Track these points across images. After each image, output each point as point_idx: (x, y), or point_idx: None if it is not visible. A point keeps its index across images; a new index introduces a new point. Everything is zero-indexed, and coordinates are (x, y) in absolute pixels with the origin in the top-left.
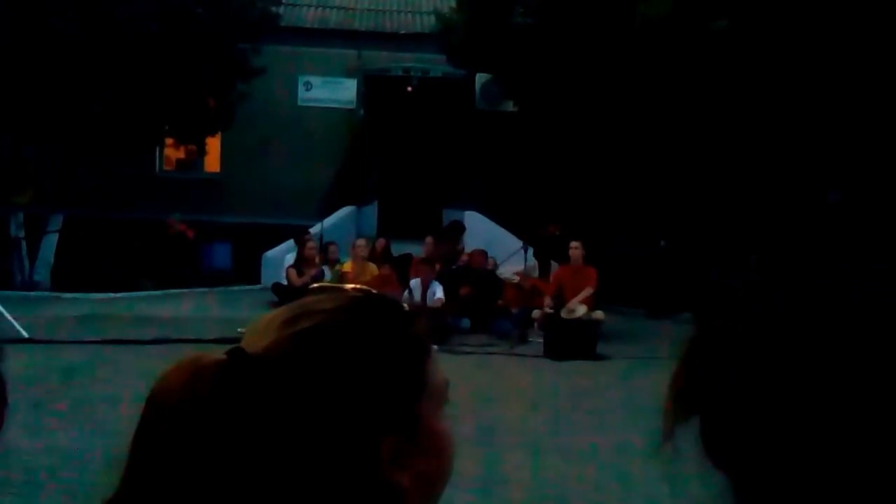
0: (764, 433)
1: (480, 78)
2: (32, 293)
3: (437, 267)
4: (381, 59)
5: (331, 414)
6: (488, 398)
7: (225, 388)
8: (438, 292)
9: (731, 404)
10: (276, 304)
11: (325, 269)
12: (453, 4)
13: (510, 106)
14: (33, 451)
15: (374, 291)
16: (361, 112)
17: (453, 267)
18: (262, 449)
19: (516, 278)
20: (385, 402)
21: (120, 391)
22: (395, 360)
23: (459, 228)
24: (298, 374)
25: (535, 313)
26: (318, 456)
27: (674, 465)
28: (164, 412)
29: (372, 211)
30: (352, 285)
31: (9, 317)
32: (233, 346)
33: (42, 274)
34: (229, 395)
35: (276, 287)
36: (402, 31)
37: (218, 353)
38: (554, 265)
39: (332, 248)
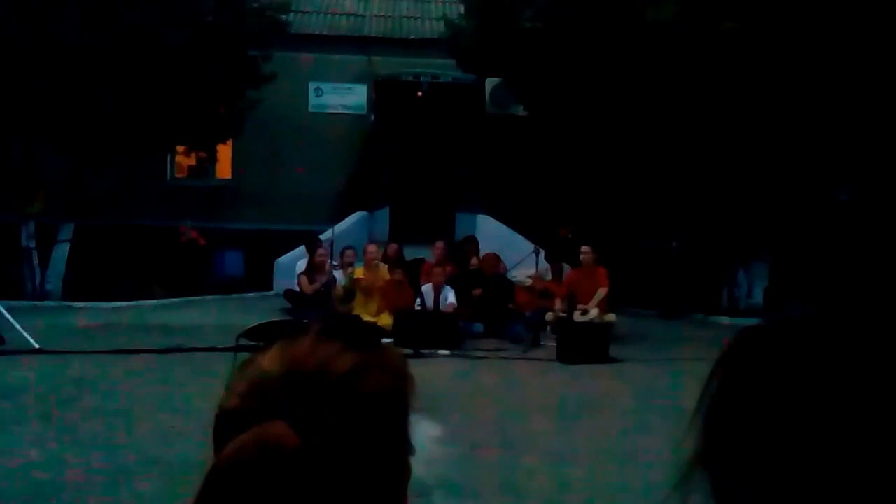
0: (771, 485)
1: (490, 82)
2: (43, 303)
3: (448, 270)
4: (391, 64)
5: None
6: (501, 403)
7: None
8: (451, 297)
9: (737, 451)
10: (288, 311)
11: (340, 273)
12: (462, 10)
13: (520, 110)
14: (41, 465)
15: (374, 351)
16: (372, 117)
17: (465, 271)
18: None
19: (529, 281)
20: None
21: (132, 402)
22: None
23: (473, 244)
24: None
25: (548, 316)
26: None
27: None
28: None
29: (383, 216)
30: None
31: (18, 327)
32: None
33: (53, 283)
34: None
35: (289, 294)
36: (412, 37)
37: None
38: (566, 268)
39: (348, 252)
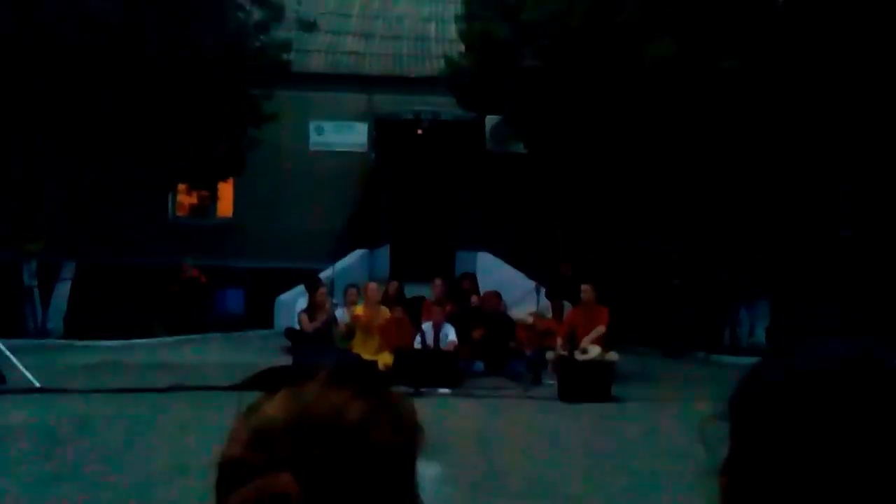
0: None
1: (490, 120)
2: (45, 341)
3: (448, 308)
4: (392, 102)
5: None
6: (502, 442)
7: None
8: (451, 335)
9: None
10: (289, 349)
11: (343, 310)
12: (462, 49)
13: (520, 147)
14: None
15: (384, 399)
16: (372, 155)
17: (465, 308)
18: None
19: (529, 319)
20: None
21: (133, 441)
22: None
23: (472, 281)
24: None
25: (549, 355)
26: None
27: None
28: None
29: (384, 253)
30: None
31: (20, 365)
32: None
33: (55, 322)
34: None
35: (289, 332)
36: (413, 75)
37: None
38: (567, 305)
39: (351, 290)
